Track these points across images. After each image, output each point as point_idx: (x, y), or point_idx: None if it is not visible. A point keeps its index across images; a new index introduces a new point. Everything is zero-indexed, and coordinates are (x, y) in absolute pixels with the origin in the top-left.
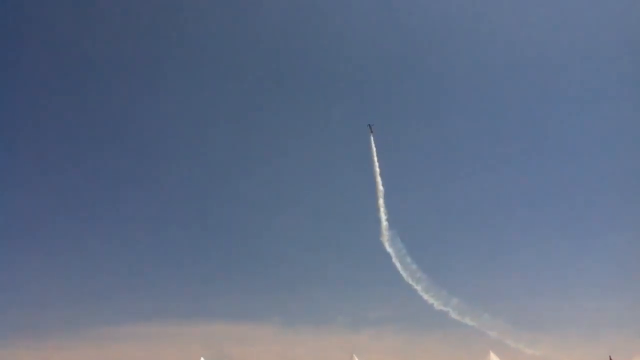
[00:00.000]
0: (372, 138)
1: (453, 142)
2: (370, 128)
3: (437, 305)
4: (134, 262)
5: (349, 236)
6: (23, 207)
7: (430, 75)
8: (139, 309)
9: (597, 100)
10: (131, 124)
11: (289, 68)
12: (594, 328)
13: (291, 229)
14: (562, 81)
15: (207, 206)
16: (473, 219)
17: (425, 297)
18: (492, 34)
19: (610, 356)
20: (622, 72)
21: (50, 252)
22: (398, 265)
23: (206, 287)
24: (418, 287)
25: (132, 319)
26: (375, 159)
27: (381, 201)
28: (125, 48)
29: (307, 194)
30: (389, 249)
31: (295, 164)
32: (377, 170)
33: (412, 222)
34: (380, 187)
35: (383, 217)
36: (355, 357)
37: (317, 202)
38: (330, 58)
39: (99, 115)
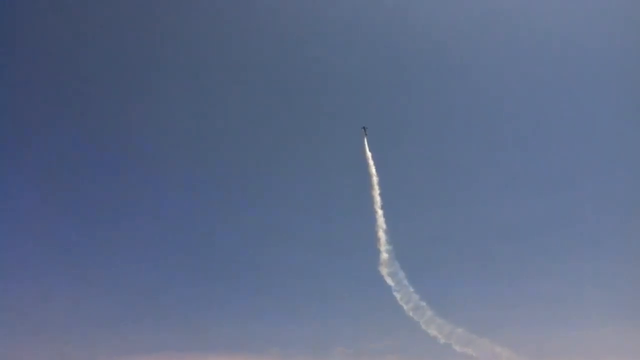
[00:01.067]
0: (366, 142)
1: (458, 160)
2: (365, 131)
3: (441, 337)
4: (128, 294)
5: (349, 265)
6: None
7: (434, 84)
8: (136, 341)
9: (602, 122)
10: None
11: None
12: (601, 357)
13: (289, 259)
14: (569, 94)
15: (201, 238)
16: (478, 245)
17: (428, 329)
18: (500, 33)
19: None
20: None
21: (38, 280)
22: (398, 297)
23: (204, 318)
24: (421, 320)
25: (128, 352)
26: (373, 169)
27: (381, 232)
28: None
29: (305, 220)
30: (389, 281)
31: (292, 190)
32: (376, 193)
33: (414, 248)
34: (380, 217)
35: (383, 248)
36: None
37: (315, 230)
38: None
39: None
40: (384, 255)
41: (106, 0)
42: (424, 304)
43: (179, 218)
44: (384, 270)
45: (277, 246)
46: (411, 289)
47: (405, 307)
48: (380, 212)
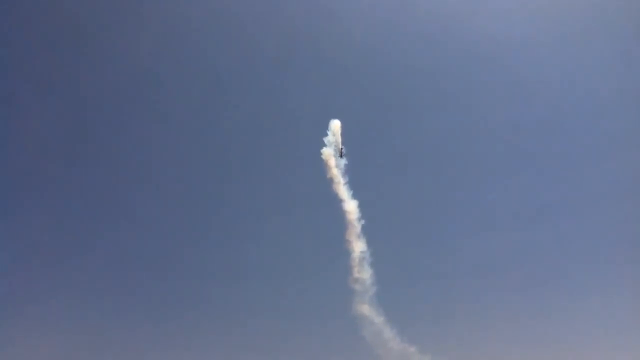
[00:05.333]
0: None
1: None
2: (341, 152)
3: None
4: (115, 320)
5: (312, 299)
6: None
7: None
8: None
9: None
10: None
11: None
12: None
13: (250, 293)
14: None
15: (158, 270)
16: (463, 283)
17: None
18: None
19: None
20: None
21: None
22: (377, 345)
23: (156, 351)
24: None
25: None
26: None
27: (356, 273)
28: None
29: (275, 258)
30: (365, 320)
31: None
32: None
33: (394, 283)
34: (356, 256)
35: (358, 288)
36: None
37: (286, 263)
38: None
39: None
40: (360, 293)
41: None
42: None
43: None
44: (359, 309)
45: (236, 282)
46: (389, 329)
47: (381, 348)
48: (357, 243)
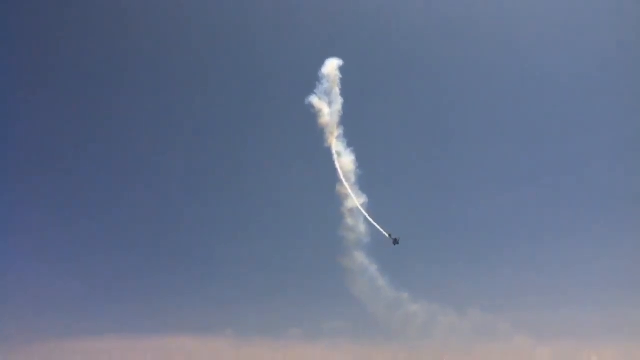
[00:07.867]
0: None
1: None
2: (395, 240)
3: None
4: (84, 278)
5: (304, 249)
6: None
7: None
8: (89, 324)
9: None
10: None
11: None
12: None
13: (244, 242)
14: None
15: (159, 225)
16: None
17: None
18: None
19: None
20: None
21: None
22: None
23: (157, 300)
24: (380, 305)
25: (83, 333)
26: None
27: (349, 221)
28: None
29: (262, 208)
30: (359, 274)
31: (247, 178)
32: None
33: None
34: (350, 206)
35: (352, 238)
36: None
37: (272, 215)
38: None
39: None
40: (354, 243)
41: None
42: (385, 291)
43: (142, 209)
44: (354, 259)
45: (231, 231)
46: (382, 277)
47: (374, 294)
48: (352, 194)
